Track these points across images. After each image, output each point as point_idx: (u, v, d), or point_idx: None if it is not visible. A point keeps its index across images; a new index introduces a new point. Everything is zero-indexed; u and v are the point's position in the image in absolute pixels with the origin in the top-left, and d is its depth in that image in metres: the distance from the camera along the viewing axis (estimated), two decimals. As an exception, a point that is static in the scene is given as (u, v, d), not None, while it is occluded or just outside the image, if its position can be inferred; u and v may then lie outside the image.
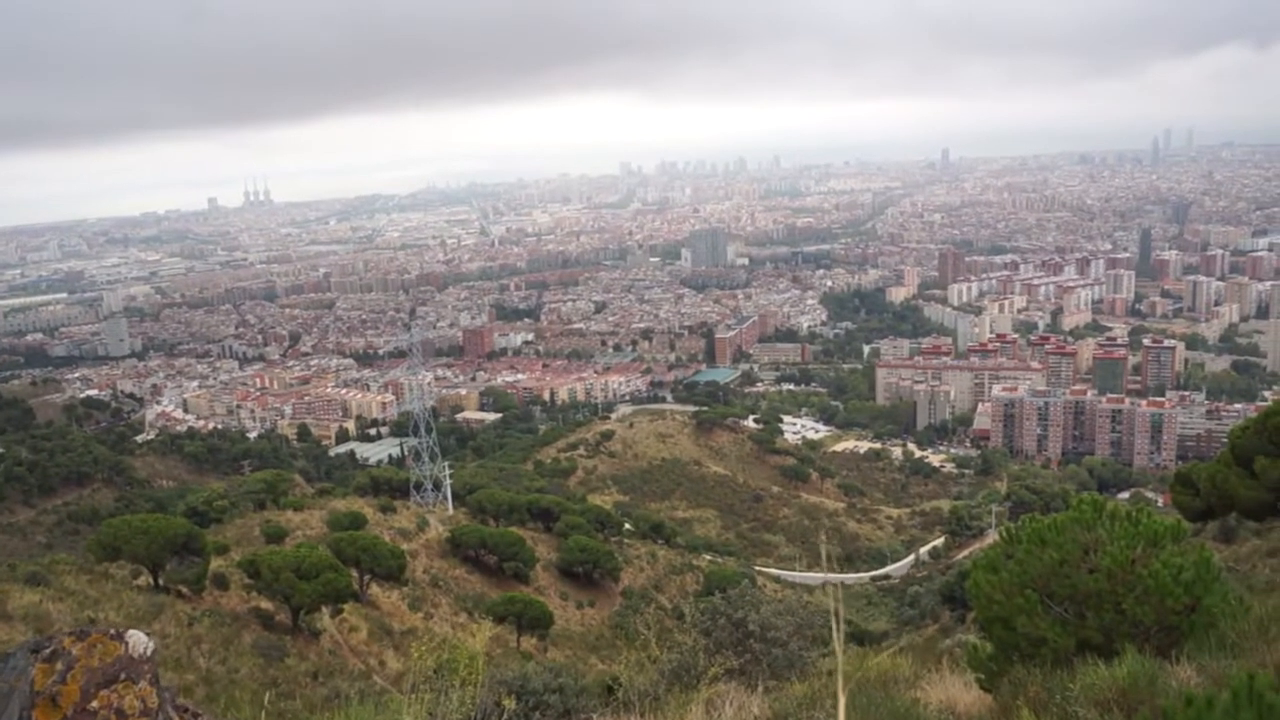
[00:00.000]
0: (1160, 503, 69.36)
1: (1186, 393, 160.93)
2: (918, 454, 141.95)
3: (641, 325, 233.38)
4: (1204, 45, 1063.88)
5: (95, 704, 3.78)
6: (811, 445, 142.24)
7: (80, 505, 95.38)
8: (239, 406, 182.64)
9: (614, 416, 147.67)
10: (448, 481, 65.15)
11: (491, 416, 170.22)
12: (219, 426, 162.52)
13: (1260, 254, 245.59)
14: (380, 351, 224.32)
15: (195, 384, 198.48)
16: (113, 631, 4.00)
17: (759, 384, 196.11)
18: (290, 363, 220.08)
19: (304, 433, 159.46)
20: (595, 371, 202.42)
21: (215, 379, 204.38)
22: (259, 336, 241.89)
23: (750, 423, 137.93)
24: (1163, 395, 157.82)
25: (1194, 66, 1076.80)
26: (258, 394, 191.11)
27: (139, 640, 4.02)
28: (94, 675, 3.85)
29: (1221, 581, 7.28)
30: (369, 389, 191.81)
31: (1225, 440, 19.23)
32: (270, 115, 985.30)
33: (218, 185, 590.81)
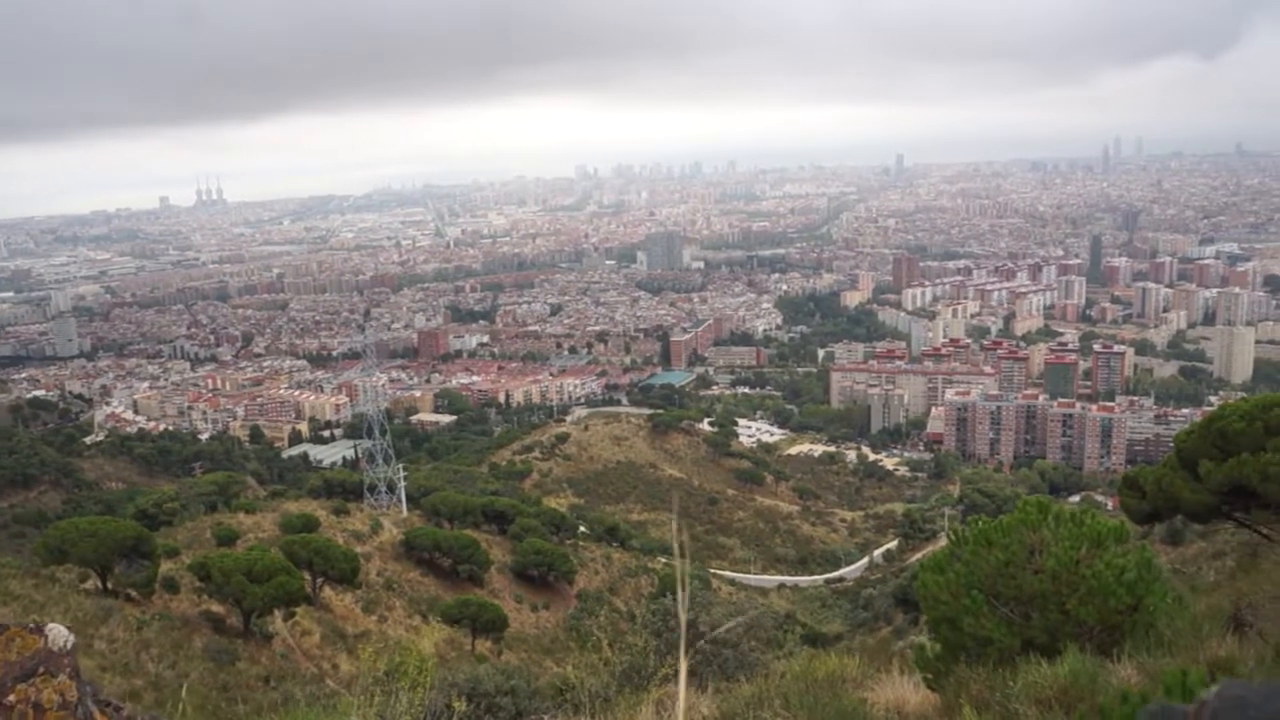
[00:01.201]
0: (1110, 506, 70.17)
1: (1136, 397, 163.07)
2: (872, 457, 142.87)
3: (597, 328, 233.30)
4: (1153, 55, 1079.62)
5: (12, 698, 3.77)
6: (766, 448, 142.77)
7: (26, 508, 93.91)
8: (190, 408, 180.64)
9: (569, 419, 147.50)
10: (402, 484, 64.81)
11: (446, 419, 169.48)
12: (170, 428, 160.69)
13: (1207, 262, 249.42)
14: (334, 353, 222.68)
15: (146, 385, 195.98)
16: (31, 625, 3.98)
17: (714, 387, 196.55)
18: (243, 364, 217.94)
19: (256, 434, 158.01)
20: (550, 374, 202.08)
21: (166, 380, 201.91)
22: (211, 337, 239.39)
23: (705, 426, 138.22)
24: (1113, 400, 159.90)
25: (1144, 76, 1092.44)
26: (209, 395, 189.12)
27: (59, 634, 4.01)
28: (10, 669, 3.83)
29: (1162, 581, 7.43)
30: (323, 390, 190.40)
31: (1172, 444, 19.53)
32: (223, 113, 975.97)
33: (169, 184, 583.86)
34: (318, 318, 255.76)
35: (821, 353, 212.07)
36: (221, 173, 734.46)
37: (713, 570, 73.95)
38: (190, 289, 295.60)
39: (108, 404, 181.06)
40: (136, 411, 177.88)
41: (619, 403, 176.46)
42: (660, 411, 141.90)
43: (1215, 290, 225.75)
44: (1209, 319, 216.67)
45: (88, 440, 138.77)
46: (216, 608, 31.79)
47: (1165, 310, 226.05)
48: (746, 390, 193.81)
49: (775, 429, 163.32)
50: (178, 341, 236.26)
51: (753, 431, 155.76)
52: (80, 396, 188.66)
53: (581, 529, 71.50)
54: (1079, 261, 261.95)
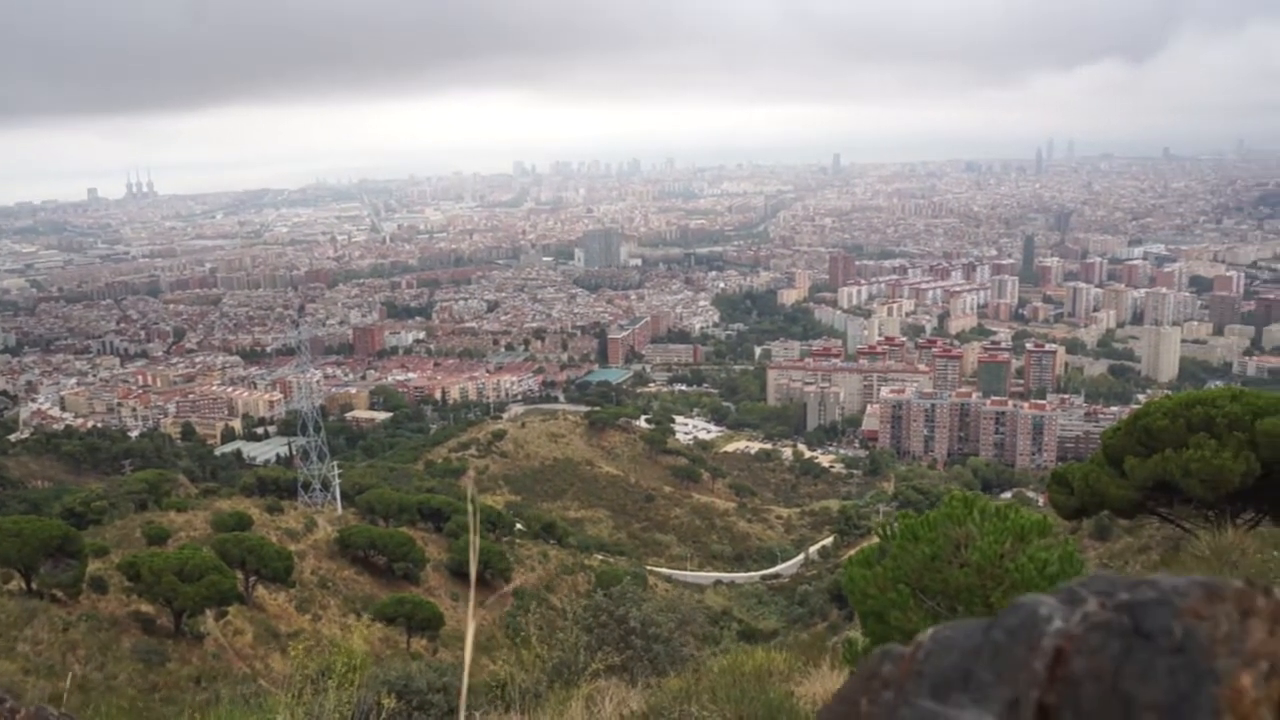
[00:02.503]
0: (1040, 502, 71.33)
1: (1067, 396, 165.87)
2: (807, 454, 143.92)
3: (534, 325, 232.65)
4: (1085, 59, 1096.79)
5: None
6: (703, 446, 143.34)
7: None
8: (120, 405, 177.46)
9: (506, 416, 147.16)
10: (336, 481, 64.39)
11: (382, 415, 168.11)
12: (98, 425, 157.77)
13: (1135, 262, 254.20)
14: (268, 349, 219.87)
15: (73, 381, 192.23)
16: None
17: (651, 384, 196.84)
18: (174, 360, 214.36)
19: (188, 431, 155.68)
20: (487, 371, 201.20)
21: (95, 376, 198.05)
22: (141, 332, 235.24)
23: (642, 423, 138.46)
24: (1044, 398, 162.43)
25: (1076, 80, 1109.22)
26: (140, 392, 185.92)
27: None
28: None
29: (1084, 574, 7.57)
30: (256, 387, 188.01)
31: (1100, 441, 19.93)
32: (153, 104, 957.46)
33: (98, 176, 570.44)
34: (251, 313, 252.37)
35: (758, 350, 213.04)
36: (153, 165, 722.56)
37: (649, 567, 74.23)
38: (120, 283, 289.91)
39: (33, 401, 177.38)
40: (64, 408, 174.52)
41: (556, 400, 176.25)
42: (597, 409, 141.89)
43: (1143, 290, 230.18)
44: (1137, 319, 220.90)
45: (12, 438, 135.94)
46: (146, 608, 31.36)
47: (1095, 310, 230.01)
48: (684, 388, 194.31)
49: (712, 426, 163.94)
50: (107, 337, 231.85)
51: (689, 429, 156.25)
52: (4, 393, 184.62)
53: (518, 526, 71.41)
54: (1012, 261, 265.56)
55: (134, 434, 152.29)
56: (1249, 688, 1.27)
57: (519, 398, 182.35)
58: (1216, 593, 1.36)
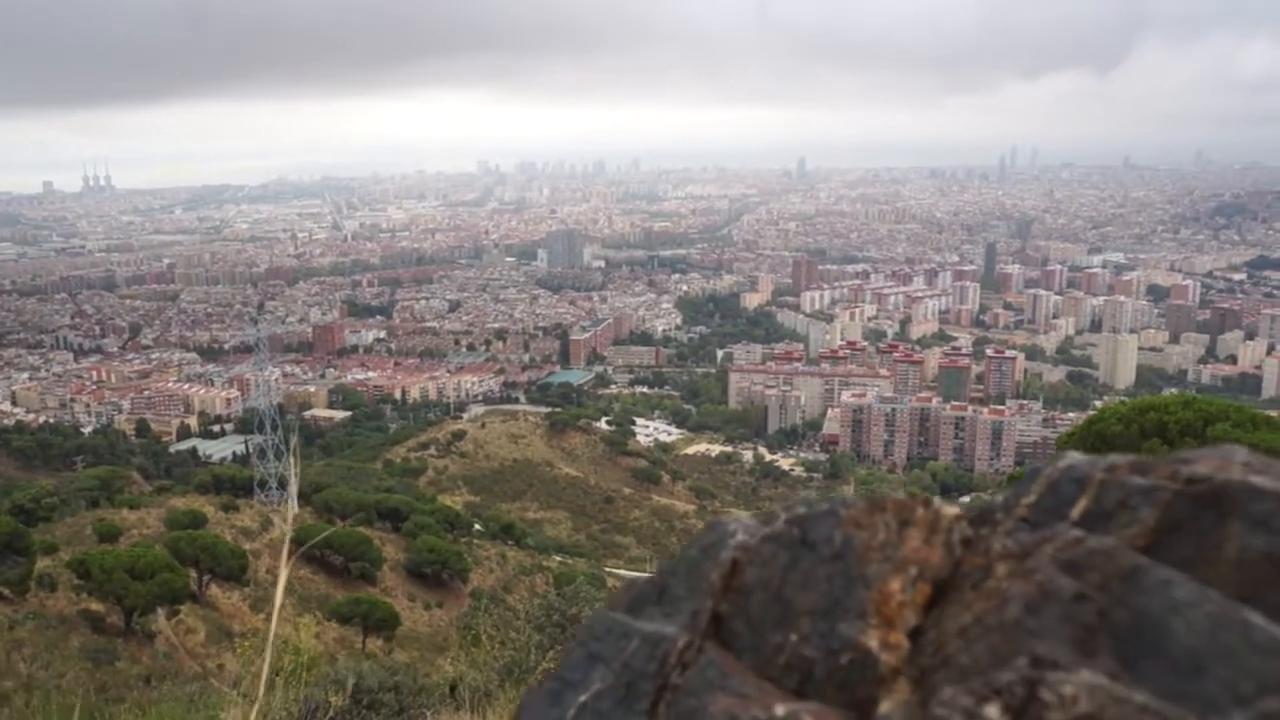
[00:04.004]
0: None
1: (1025, 401, 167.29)
2: (768, 457, 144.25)
3: (496, 325, 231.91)
4: (1048, 69, 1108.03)
5: None
6: (664, 448, 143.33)
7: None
8: (73, 400, 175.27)
9: (466, 416, 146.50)
10: (294, 480, 63.77)
11: (341, 414, 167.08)
12: (50, 421, 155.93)
13: (1095, 270, 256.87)
14: (226, 346, 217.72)
15: (25, 376, 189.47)
16: None
17: (613, 386, 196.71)
18: (130, 355, 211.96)
19: (143, 428, 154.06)
20: (448, 371, 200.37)
21: (48, 371, 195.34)
22: (96, 328, 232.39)
23: (603, 425, 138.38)
24: (1003, 404, 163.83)
25: (1040, 88, 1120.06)
26: (93, 387, 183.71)
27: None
28: None
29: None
30: (213, 384, 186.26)
31: (1055, 447, 20.01)
32: (111, 97, 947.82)
33: (54, 168, 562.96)
34: (209, 310, 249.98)
35: (720, 353, 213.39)
36: (111, 158, 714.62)
37: (608, 569, 74.03)
38: (75, 277, 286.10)
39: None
40: (15, 403, 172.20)
41: (517, 401, 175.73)
42: (558, 410, 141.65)
43: (1102, 298, 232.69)
44: (1095, 326, 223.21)
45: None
46: (96, 606, 30.88)
47: (1055, 317, 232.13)
48: (645, 390, 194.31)
49: (673, 429, 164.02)
50: (60, 332, 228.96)
51: (650, 431, 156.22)
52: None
53: (477, 527, 71.07)
54: (974, 268, 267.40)
55: (87, 430, 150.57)
56: (897, 591, 1.36)
57: (479, 398, 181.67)
58: (878, 504, 1.45)
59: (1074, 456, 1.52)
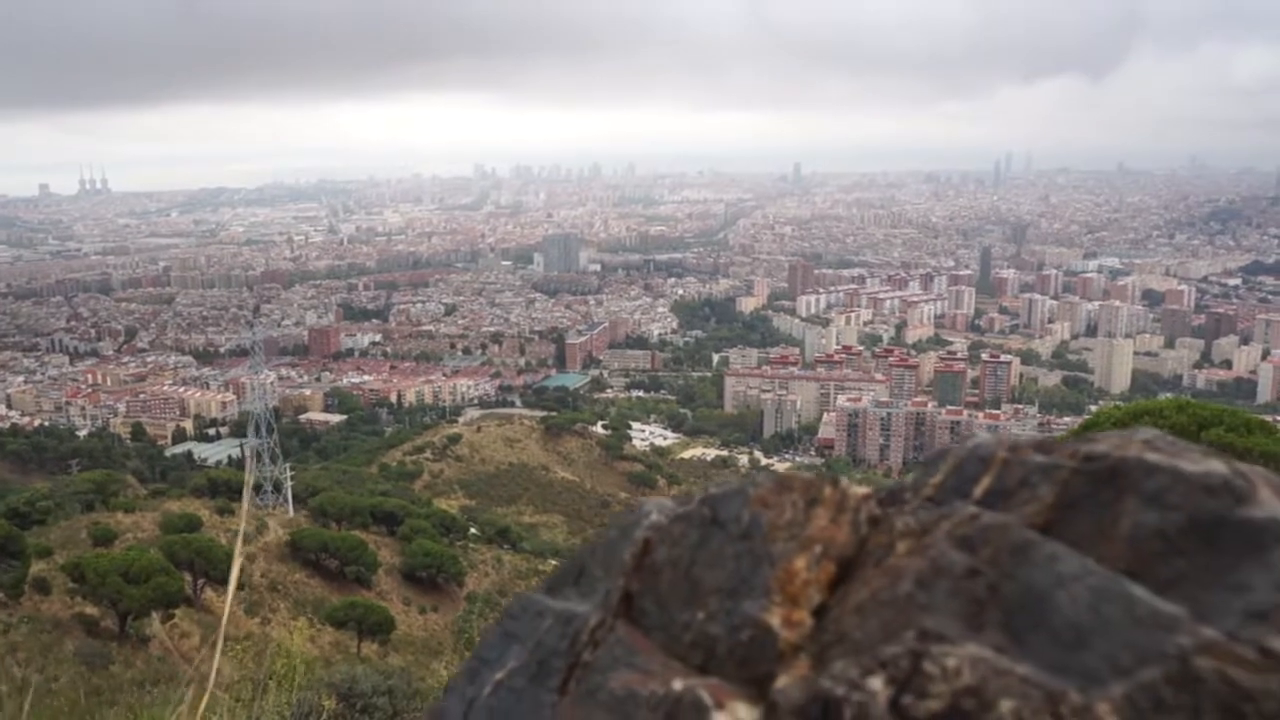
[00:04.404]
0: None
1: (1021, 406, 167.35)
2: (764, 461, 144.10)
3: (492, 329, 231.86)
4: (1044, 74, 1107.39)
5: None
6: (660, 452, 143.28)
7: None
8: (68, 403, 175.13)
9: (462, 420, 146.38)
10: (289, 483, 63.75)
11: (336, 418, 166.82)
12: (46, 424, 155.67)
13: (1090, 275, 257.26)
14: (222, 349, 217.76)
15: (21, 379, 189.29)
16: None
17: (609, 390, 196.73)
18: (125, 359, 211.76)
19: (138, 432, 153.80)
20: (444, 374, 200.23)
21: (43, 374, 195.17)
22: (92, 331, 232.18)
23: (599, 429, 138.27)
24: (999, 408, 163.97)
25: (1035, 94, 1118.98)
26: (89, 390, 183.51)
27: None
28: None
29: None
30: (209, 387, 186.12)
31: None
32: (109, 100, 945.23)
33: (50, 171, 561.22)
34: (205, 313, 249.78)
35: (716, 358, 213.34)
36: (107, 161, 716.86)
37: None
38: (71, 280, 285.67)
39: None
40: (10, 406, 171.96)
41: (513, 404, 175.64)
42: (554, 414, 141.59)
43: (1097, 303, 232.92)
44: (1091, 331, 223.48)
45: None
46: (91, 610, 30.82)
47: (1050, 321, 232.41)
48: (641, 394, 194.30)
49: (669, 432, 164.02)
50: (56, 334, 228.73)
51: (646, 435, 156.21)
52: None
53: (472, 531, 71.00)
54: (969, 272, 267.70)
55: (82, 433, 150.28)
56: (802, 570, 1.37)
57: (475, 402, 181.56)
58: (786, 484, 1.47)
59: (982, 436, 1.53)
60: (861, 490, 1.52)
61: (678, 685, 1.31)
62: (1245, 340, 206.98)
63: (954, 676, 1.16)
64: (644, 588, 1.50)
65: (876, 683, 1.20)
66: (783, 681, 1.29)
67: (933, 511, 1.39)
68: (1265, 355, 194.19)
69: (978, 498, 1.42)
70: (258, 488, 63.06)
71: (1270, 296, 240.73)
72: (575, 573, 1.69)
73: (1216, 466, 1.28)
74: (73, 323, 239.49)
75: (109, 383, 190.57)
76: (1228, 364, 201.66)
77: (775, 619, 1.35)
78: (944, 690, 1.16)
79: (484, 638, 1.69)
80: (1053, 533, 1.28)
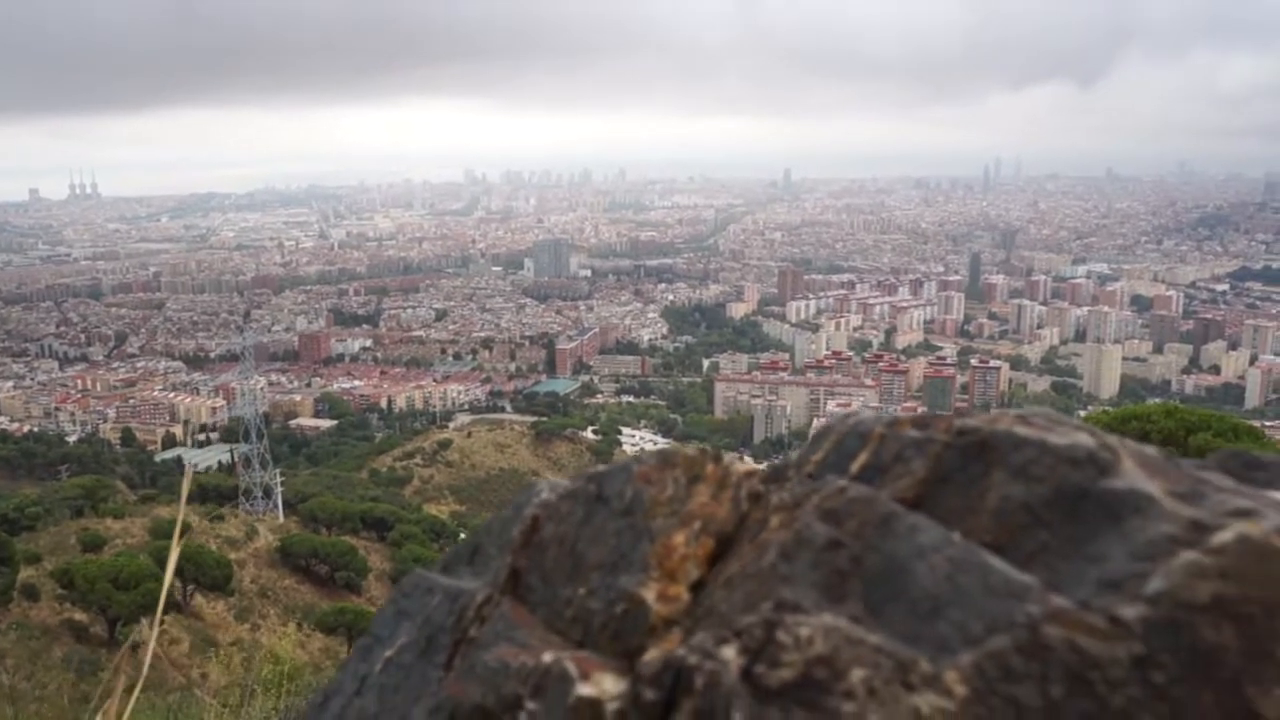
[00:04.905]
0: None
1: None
2: (754, 467, 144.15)
3: (482, 334, 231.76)
4: (1033, 80, 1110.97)
5: None
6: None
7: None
8: (58, 409, 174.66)
9: (452, 425, 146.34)
10: (279, 489, 63.72)
11: (327, 423, 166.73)
12: (35, 429, 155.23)
13: (1079, 280, 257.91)
14: (212, 354, 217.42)
15: (10, 384, 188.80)
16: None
17: (599, 395, 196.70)
18: (115, 364, 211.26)
19: (128, 437, 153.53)
20: (434, 380, 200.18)
21: (32, 379, 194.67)
22: (82, 336, 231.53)
23: (589, 434, 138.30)
24: (988, 413, 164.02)
25: (1025, 100, 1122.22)
26: (79, 396, 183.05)
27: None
28: None
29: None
30: (199, 393, 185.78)
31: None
32: (99, 104, 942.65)
33: (40, 175, 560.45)
34: (195, 318, 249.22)
35: (706, 363, 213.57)
36: (97, 166, 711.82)
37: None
38: (61, 285, 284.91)
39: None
40: None
41: (503, 410, 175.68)
42: (544, 419, 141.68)
43: (1086, 309, 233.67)
44: (1080, 336, 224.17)
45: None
46: (80, 616, 30.83)
47: (1039, 327, 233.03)
48: (631, 399, 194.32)
49: (659, 438, 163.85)
50: (46, 340, 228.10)
51: (636, 440, 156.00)
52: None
53: (462, 536, 70.83)
54: (959, 278, 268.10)
55: (72, 439, 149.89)
56: (680, 545, 1.37)
57: (466, 407, 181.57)
58: (669, 460, 1.49)
59: (863, 414, 1.51)
60: (745, 467, 1.54)
61: (547, 657, 1.30)
62: (1233, 345, 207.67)
63: (807, 646, 1.14)
64: (531, 564, 1.48)
65: (730, 652, 1.17)
66: (652, 655, 1.28)
67: (806, 486, 1.40)
68: (1253, 360, 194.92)
69: (854, 473, 1.41)
70: (248, 493, 63.03)
71: (1258, 302, 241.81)
72: (470, 551, 1.72)
73: (1083, 439, 1.25)
74: (62, 328, 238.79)
75: (99, 388, 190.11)
76: (1216, 369, 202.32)
77: (650, 593, 1.34)
78: (796, 659, 1.14)
79: (378, 615, 1.67)
80: (924, 506, 1.29)
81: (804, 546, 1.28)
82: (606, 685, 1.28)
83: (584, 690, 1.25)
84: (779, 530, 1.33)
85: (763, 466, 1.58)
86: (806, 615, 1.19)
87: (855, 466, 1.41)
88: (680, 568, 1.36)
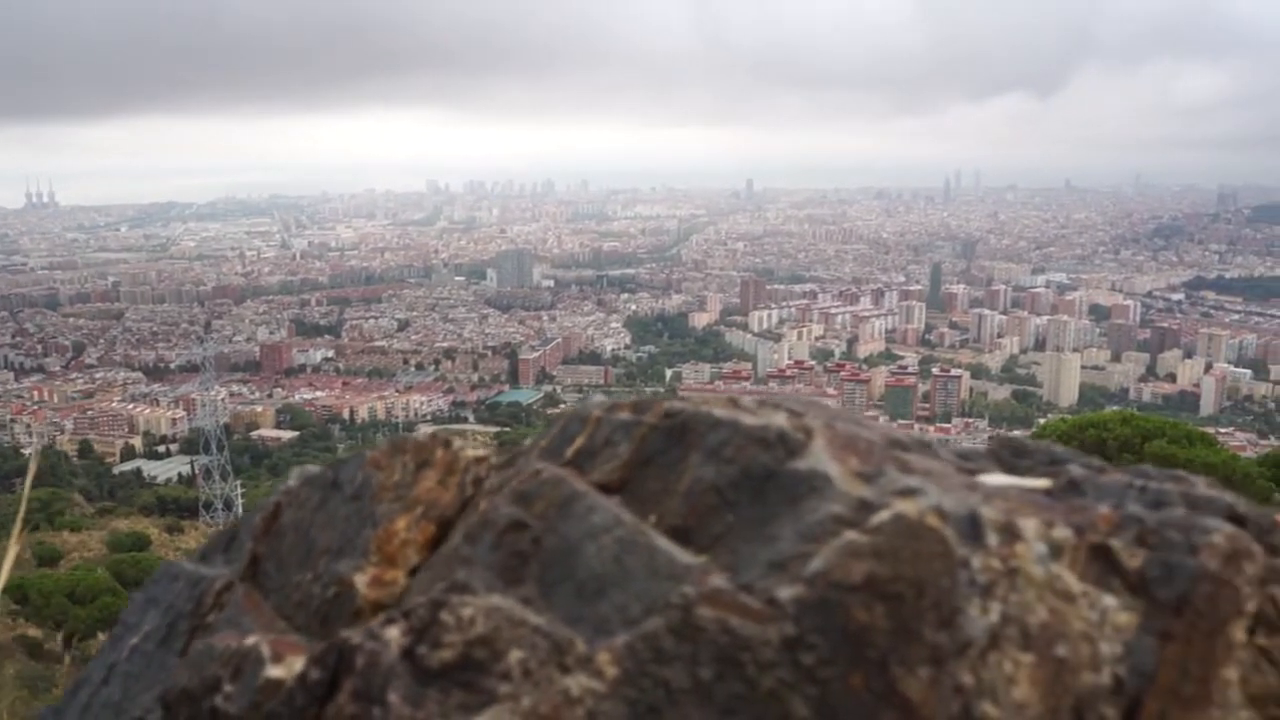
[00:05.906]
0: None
1: (971, 419, 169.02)
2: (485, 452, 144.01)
3: (445, 344, 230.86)
4: (993, 92, 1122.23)
5: None
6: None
7: None
8: (13, 421, 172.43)
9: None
10: (239, 501, 63.30)
11: (288, 434, 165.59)
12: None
13: (1038, 290, 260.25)
14: (172, 365, 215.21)
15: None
16: None
17: (562, 405, 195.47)
18: (73, 375, 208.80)
19: (86, 449, 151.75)
20: (397, 390, 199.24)
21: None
22: (38, 346, 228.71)
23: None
24: (949, 422, 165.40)
25: (985, 112, 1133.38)
26: (35, 407, 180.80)
27: None
28: None
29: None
30: (159, 404, 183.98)
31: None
32: (55, 112, 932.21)
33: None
34: (155, 328, 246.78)
35: (669, 373, 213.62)
36: (54, 174, 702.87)
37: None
38: (16, 295, 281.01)
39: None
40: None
41: (466, 420, 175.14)
42: (507, 429, 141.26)
43: (1046, 318, 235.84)
44: (1039, 345, 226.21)
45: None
46: (34, 632, 30.45)
47: (1000, 336, 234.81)
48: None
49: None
50: (1, 351, 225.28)
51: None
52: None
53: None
54: (920, 288, 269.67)
55: (27, 451, 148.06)
56: (401, 530, 1.38)
57: (428, 418, 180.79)
58: (400, 446, 1.50)
59: (595, 399, 1.48)
60: (476, 453, 1.53)
61: (250, 641, 1.31)
62: (1189, 354, 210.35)
63: (468, 626, 1.15)
64: (269, 550, 1.49)
65: (394, 632, 1.19)
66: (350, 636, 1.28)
67: (509, 470, 1.42)
68: (1208, 368, 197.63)
69: (569, 457, 1.42)
70: (208, 505, 62.59)
71: (1212, 311, 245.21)
72: (228, 539, 1.67)
73: (776, 419, 1.25)
74: (18, 338, 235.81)
75: (55, 399, 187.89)
76: (1172, 377, 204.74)
77: (363, 578, 1.36)
78: (457, 640, 1.15)
79: (130, 603, 1.64)
80: (627, 489, 1.30)
81: (488, 528, 1.28)
82: (298, 667, 1.27)
83: (273, 672, 1.26)
84: (475, 513, 1.35)
85: (491, 453, 1.57)
86: (474, 596, 1.19)
87: (570, 451, 1.42)
88: (400, 552, 1.37)
